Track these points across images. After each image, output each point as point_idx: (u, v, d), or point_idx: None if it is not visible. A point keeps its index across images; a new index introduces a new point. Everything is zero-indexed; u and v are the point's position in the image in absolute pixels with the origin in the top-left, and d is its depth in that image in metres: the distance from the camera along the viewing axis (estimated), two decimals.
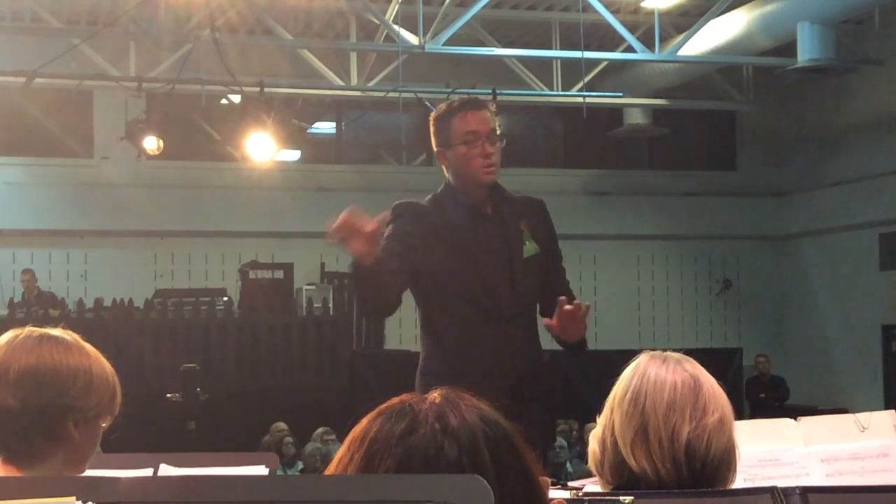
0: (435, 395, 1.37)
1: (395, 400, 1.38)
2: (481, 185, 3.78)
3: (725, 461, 2.15)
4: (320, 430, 11.14)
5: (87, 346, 2.21)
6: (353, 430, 1.36)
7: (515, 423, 1.38)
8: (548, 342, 4.00)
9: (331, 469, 1.35)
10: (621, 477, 2.17)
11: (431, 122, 3.86)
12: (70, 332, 2.22)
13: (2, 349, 2.14)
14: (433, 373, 3.73)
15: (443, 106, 3.90)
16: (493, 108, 3.95)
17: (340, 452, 1.35)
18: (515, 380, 3.72)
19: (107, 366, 2.20)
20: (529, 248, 3.81)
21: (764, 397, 14.12)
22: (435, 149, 3.85)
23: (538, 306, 3.94)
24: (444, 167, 3.88)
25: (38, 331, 2.19)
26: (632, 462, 2.14)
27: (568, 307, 3.57)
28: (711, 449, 2.12)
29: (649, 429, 2.13)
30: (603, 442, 2.20)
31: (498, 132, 3.81)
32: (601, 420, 2.22)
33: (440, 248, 3.74)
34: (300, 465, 10.82)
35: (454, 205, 3.81)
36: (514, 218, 3.83)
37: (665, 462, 2.11)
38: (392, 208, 3.84)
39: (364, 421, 1.36)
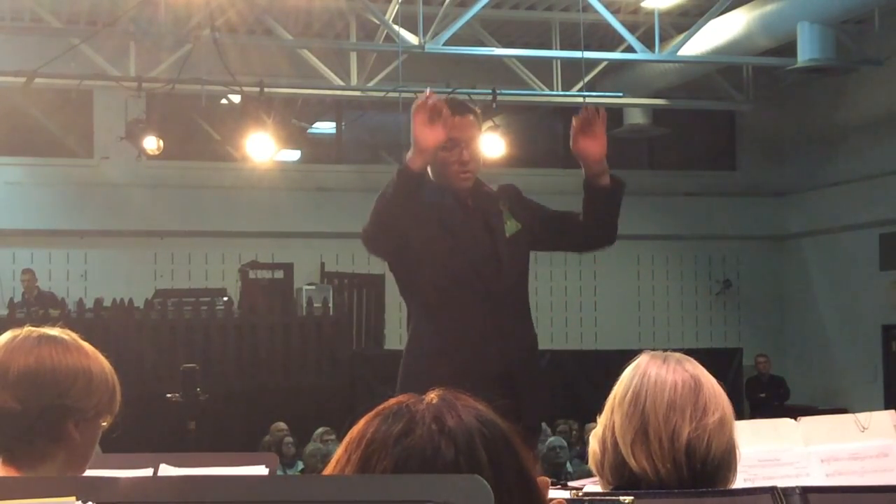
0: (432, 396, 1.37)
1: (391, 401, 1.38)
2: (457, 188, 3.85)
3: (726, 461, 2.15)
4: (320, 430, 11.14)
5: (86, 345, 2.20)
6: (349, 432, 1.36)
7: (513, 423, 1.38)
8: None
9: (328, 471, 1.35)
10: (622, 477, 2.17)
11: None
12: (69, 332, 2.21)
13: (0, 350, 2.14)
14: (424, 354, 3.73)
15: None
16: (478, 110, 3.96)
17: (338, 454, 1.35)
18: (506, 365, 3.74)
19: (106, 365, 2.20)
20: (511, 226, 3.87)
21: (764, 397, 14.13)
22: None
23: (572, 238, 4.04)
24: None
25: (36, 331, 2.18)
26: (632, 462, 2.14)
27: (582, 115, 3.71)
28: (712, 449, 2.12)
29: (649, 429, 2.13)
30: (603, 442, 2.20)
31: (479, 136, 3.87)
32: (601, 420, 2.23)
33: (426, 232, 3.77)
34: (300, 465, 10.82)
35: (437, 196, 3.85)
36: (492, 202, 3.91)
37: (665, 462, 2.11)
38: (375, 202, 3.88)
39: (361, 422, 1.36)
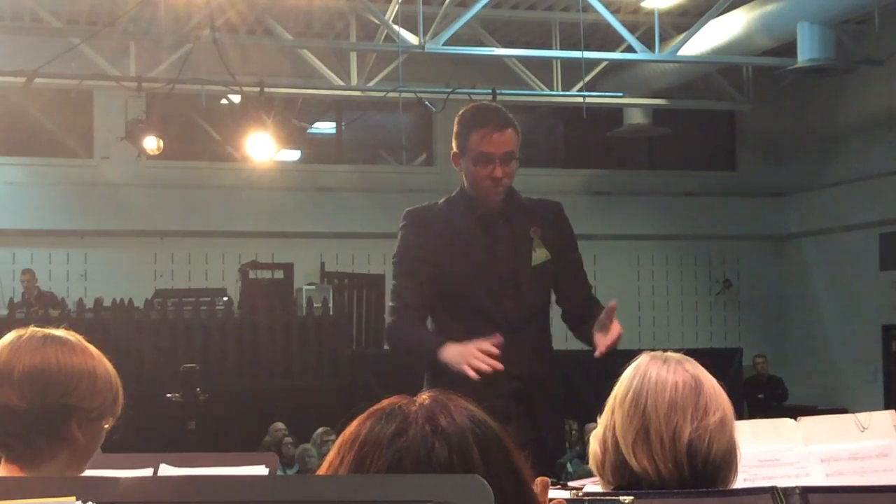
0: (424, 397, 1.38)
1: (384, 402, 1.38)
2: (489, 202, 3.74)
3: (727, 461, 2.15)
4: (320, 430, 11.13)
5: (91, 347, 2.21)
6: (342, 434, 1.36)
7: (503, 424, 1.38)
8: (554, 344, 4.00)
9: (321, 472, 1.35)
10: (623, 477, 2.17)
11: (456, 120, 3.78)
12: (73, 333, 2.22)
13: (6, 349, 2.14)
14: (440, 379, 3.71)
15: (470, 110, 3.81)
16: (517, 125, 3.76)
17: (331, 455, 1.35)
18: (519, 386, 3.70)
19: (109, 367, 2.21)
20: (539, 255, 3.75)
21: (762, 398, 14.12)
22: (453, 149, 3.78)
23: (564, 311, 3.92)
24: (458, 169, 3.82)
25: (41, 331, 2.19)
26: (633, 462, 2.14)
27: (604, 333, 3.61)
28: (713, 449, 2.12)
29: (651, 429, 2.13)
30: (604, 442, 2.20)
31: (516, 153, 3.73)
32: (602, 420, 2.22)
33: (448, 256, 3.71)
34: (298, 466, 10.83)
35: (465, 211, 3.76)
36: (524, 225, 3.77)
37: (667, 462, 2.11)
38: (403, 215, 3.81)
39: (353, 424, 1.36)
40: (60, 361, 2.13)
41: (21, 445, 2.10)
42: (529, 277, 3.74)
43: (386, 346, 4.18)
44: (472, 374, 3.36)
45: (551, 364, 3.92)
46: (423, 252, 3.73)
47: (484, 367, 3.38)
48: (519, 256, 3.75)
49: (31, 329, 2.19)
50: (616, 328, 3.60)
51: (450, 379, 3.34)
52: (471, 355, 3.41)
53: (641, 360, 2.23)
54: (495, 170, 3.66)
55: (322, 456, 10.46)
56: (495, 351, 3.41)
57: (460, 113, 3.81)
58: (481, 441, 1.32)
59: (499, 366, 3.39)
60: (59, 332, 2.20)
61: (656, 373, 2.18)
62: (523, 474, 1.35)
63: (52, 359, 2.13)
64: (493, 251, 3.73)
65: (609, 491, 2.18)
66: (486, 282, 3.72)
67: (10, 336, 2.18)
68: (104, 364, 2.19)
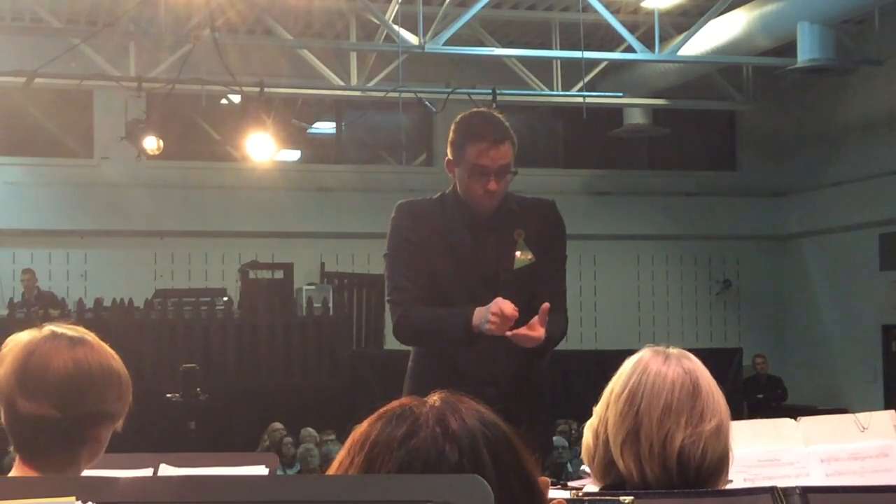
0: (434, 399, 1.38)
1: (395, 403, 1.38)
2: (479, 209, 3.73)
3: (719, 469, 2.12)
4: (311, 429, 11.14)
5: (105, 345, 2.17)
6: (352, 434, 1.36)
7: (514, 427, 1.38)
8: None
9: (331, 472, 1.35)
10: (608, 476, 2.16)
11: (452, 128, 3.74)
12: (81, 329, 2.17)
13: (32, 355, 2.07)
14: (418, 377, 3.74)
15: (467, 119, 3.76)
16: (514, 138, 3.72)
17: (341, 455, 1.35)
18: (495, 391, 3.66)
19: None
20: (521, 259, 3.71)
21: (762, 398, 14.12)
22: (448, 155, 3.75)
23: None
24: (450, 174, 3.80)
25: (60, 332, 2.12)
26: (620, 463, 2.12)
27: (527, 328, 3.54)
28: (707, 457, 2.09)
29: (641, 432, 2.10)
30: (596, 437, 2.19)
31: (511, 165, 3.70)
32: (597, 411, 2.20)
33: (434, 253, 3.72)
34: (300, 465, 10.83)
35: (456, 210, 3.75)
36: (512, 227, 3.74)
37: (654, 466, 2.08)
38: (395, 207, 3.82)
39: (364, 424, 1.36)
40: (93, 367, 2.08)
41: (50, 453, 2.06)
42: (509, 280, 3.70)
43: (385, 347, 4.15)
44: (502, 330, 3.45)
45: (536, 367, 3.84)
46: (414, 246, 3.73)
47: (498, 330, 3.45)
48: (502, 259, 3.73)
49: (48, 329, 2.12)
50: (538, 331, 3.52)
51: (427, 384, 3.34)
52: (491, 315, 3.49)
53: (643, 355, 2.19)
54: (490, 183, 3.65)
55: (322, 456, 10.48)
56: (513, 314, 3.46)
57: (457, 120, 3.77)
58: (491, 443, 1.32)
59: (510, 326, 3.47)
60: (76, 331, 2.14)
61: (655, 371, 2.14)
62: (533, 476, 1.35)
63: (85, 365, 2.08)
64: (477, 253, 3.71)
65: (609, 491, 2.18)
66: (467, 283, 3.71)
67: (28, 336, 2.10)
68: (119, 362, 2.16)
